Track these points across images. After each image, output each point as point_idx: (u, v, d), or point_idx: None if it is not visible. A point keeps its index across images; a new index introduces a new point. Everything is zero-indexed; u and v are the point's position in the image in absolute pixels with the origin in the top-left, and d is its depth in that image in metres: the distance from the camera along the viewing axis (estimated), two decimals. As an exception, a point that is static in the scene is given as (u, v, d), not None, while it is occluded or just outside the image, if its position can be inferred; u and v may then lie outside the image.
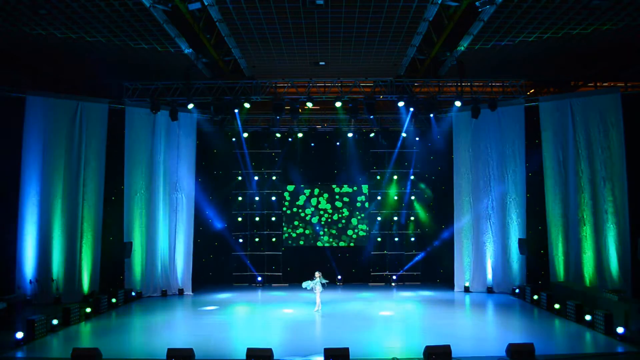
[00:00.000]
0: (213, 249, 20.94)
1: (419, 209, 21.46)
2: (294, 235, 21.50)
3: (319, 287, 14.92)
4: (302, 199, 21.63)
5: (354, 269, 21.36)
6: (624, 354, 10.87)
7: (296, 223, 21.53)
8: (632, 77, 18.02)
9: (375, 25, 13.54)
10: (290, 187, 21.64)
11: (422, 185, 21.45)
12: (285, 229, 21.50)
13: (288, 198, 21.63)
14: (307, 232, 21.51)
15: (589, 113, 16.34)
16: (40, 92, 16.36)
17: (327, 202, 21.64)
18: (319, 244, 21.45)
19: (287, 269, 21.10)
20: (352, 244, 21.52)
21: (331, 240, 21.52)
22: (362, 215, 21.60)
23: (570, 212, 16.60)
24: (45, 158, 16.28)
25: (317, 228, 21.51)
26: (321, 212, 21.60)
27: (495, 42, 15.06)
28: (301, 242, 21.48)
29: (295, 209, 21.59)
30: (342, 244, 21.50)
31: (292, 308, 15.70)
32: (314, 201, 21.64)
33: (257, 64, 16.83)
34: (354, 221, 21.58)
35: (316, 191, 21.66)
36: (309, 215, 21.56)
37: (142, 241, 17.95)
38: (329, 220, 21.59)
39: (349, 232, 21.56)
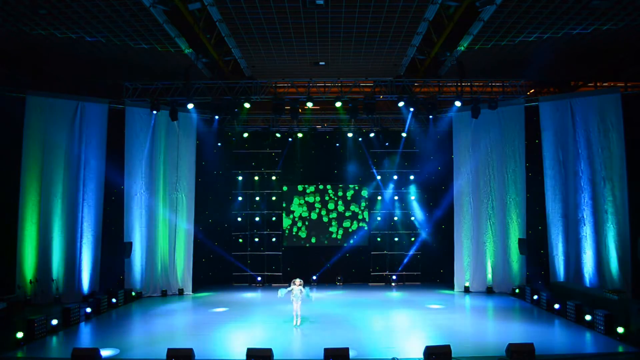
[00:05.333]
0: (213, 248, 20.92)
1: (418, 209, 21.46)
2: (293, 235, 21.49)
3: (298, 299, 13.10)
4: (302, 199, 21.63)
5: (354, 269, 21.37)
6: (624, 354, 10.87)
7: (296, 223, 21.53)
8: (632, 77, 18.01)
9: (375, 25, 13.55)
10: (291, 187, 21.64)
11: (422, 185, 21.44)
12: (285, 228, 21.49)
13: (288, 198, 21.62)
14: (307, 232, 21.51)
15: (589, 113, 16.34)
16: (40, 92, 16.37)
17: (327, 202, 21.64)
18: (319, 243, 21.44)
19: (287, 269, 21.09)
20: (351, 244, 21.50)
21: (331, 240, 21.51)
22: (362, 215, 21.59)
23: (570, 212, 16.60)
24: (45, 158, 16.29)
25: (317, 228, 21.50)
26: (321, 212, 21.59)
27: (495, 42, 15.07)
28: (301, 242, 21.47)
29: (295, 209, 21.59)
30: (341, 243, 21.49)
31: (292, 308, 15.67)
32: (313, 200, 21.63)
33: (257, 64, 16.83)
34: (354, 221, 21.58)
35: (316, 191, 21.66)
36: (309, 215, 21.55)
37: (142, 241, 17.96)
38: (329, 220, 21.58)
39: (349, 232, 21.55)
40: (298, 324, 13.30)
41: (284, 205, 21.59)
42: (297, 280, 13.25)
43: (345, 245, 21.47)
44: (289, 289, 13.22)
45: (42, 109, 16.24)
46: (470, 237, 18.73)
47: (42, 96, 16.30)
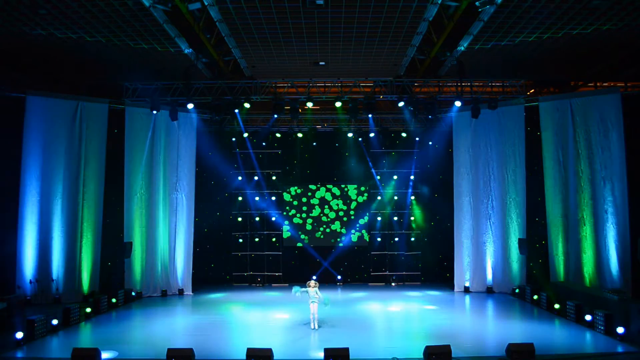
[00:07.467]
0: (213, 249, 20.94)
1: (418, 209, 21.45)
2: (293, 235, 21.48)
3: (315, 301, 12.72)
4: (302, 199, 21.62)
5: (354, 269, 21.37)
6: (624, 354, 10.86)
7: (296, 222, 21.52)
8: (632, 77, 18.02)
9: (375, 25, 13.54)
10: (290, 187, 21.64)
11: (422, 186, 21.43)
12: (285, 229, 21.48)
13: (288, 198, 21.62)
14: (307, 232, 21.49)
15: (589, 113, 16.32)
16: (40, 92, 16.36)
17: (327, 202, 21.63)
18: (319, 243, 21.44)
19: (287, 269, 21.10)
20: (351, 244, 21.48)
21: (331, 240, 21.50)
22: (362, 215, 21.58)
23: (570, 212, 16.58)
24: (45, 158, 16.28)
25: (317, 228, 21.50)
26: (321, 212, 21.59)
27: (495, 42, 15.06)
28: (301, 243, 21.46)
29: (295, 209, 21.58)
30: (341, 244, 21.48)
31: (292, 308, 15.68)
32: (314, 201, 21.63)
33: (257, 64, 16.82)
34: (353, 221, 21.56)
35: (316, 190, 21.66)
36: (309, 215, 21.55)
37: (142, 241, 17.96)
38: (329, 220, 21.58)
39: (349, 232, 21.53)
40: (315, 327, 12.78)
41: (284, 205, 21.57)
42: (312, 282, 12.91)
43: (345, 245, 21.46)
44: (304, 289, 12.88)
45: (42, 109, 16.22)
46: (470, 237, 18.73)
47: (42, 96, 16.29)
